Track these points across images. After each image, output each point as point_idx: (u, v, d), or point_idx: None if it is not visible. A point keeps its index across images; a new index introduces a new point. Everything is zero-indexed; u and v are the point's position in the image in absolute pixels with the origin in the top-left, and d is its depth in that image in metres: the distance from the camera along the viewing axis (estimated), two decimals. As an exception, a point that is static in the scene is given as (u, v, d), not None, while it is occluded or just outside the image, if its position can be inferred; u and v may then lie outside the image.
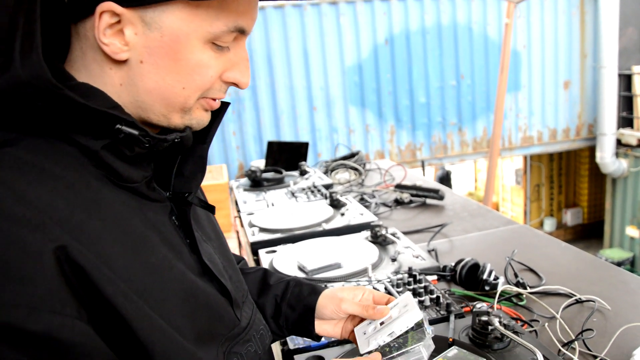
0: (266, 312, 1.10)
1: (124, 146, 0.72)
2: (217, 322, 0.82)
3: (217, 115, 0.87)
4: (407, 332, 0.92)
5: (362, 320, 1.04)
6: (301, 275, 1.68)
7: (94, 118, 0.69)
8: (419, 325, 0.92)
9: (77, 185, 0.68)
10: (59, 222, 0.63)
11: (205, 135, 0.86)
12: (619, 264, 7.14)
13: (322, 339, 1.18)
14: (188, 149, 0.84)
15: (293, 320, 1.09)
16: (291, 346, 1.30)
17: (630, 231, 8.51)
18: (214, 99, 0.81)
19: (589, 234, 10.54)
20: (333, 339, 1.29)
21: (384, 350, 0.92)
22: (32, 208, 0.62)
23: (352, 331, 1.04)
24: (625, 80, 8.17)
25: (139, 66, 0.72)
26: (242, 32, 0.77)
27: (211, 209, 0.95)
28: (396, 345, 0.92)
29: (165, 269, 0.75)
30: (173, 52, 0.72)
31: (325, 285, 1.48)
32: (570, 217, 10.83)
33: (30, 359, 0.57)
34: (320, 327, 1.08)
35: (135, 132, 0.71)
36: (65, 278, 0.61)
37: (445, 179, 11.82)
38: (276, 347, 1.40)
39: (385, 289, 1.51)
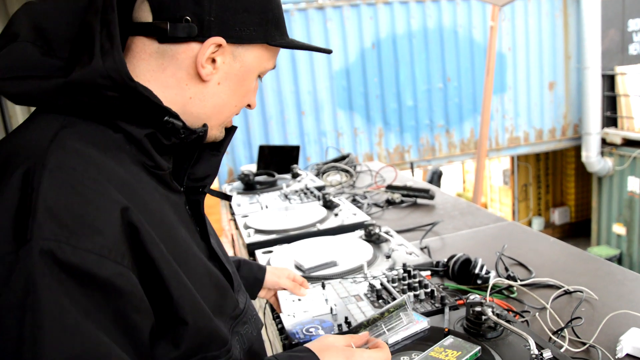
0: None
1: (163, 136, 0.87)
2: (223, 301, 0.96)
3: (229, 132, 1.04)
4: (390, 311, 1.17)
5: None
6: (299, 273, 1.72)
7: (147, 110, 0.82)
8: (400, 305, 1.16)
9: (125, 165, 0.82)
10: (122, 187, 0.77)
11: (219, 145, 1.02)
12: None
13: (321, 332, 1.34)
14: (202, 156, 1.00)
15: (245, 286, 1.27)
16: (293, 341, 1.33)
17: (617, 229, 8.63)
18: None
19: (576, 232, 10.67)
20: (332, 333, 1.33)
21: (372, 328, 1.16)
22: (102, 172, 0.76)
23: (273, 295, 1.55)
24: (609, 81, 8.30)
25: (215, 86, 0.90)
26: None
27: (228, 197, 1.17)
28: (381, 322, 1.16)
29: (189, 247, 0.88)
30: (242, 79, 0.93)
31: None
32: (557, 216, 10.96)
33: (90, 299, 0.68)
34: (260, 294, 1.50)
35: (180, 123, 0.86)
36: (125, 235, 0.73)
37: (436, 178, 11.86)
38: (277, 343, 1.44)
39: (382, 284, 1.56)
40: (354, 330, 1.20)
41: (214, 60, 0.87)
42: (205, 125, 0.93)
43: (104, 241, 0.70)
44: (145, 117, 0.84)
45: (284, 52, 6.81)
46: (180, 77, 0.87)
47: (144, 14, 0.85)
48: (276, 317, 1.54)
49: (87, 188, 0.72)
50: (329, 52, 1.02)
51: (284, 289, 1.53)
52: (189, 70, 0.87)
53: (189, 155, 0.97)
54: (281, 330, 1.43)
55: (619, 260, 8.56)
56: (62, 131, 0.78)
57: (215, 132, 0.97)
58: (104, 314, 0.69)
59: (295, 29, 6.89)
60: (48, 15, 0.83)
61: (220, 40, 0.85)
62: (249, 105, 1.01)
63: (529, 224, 10.97)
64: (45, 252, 0.65)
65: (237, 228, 2.48)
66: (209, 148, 1.00)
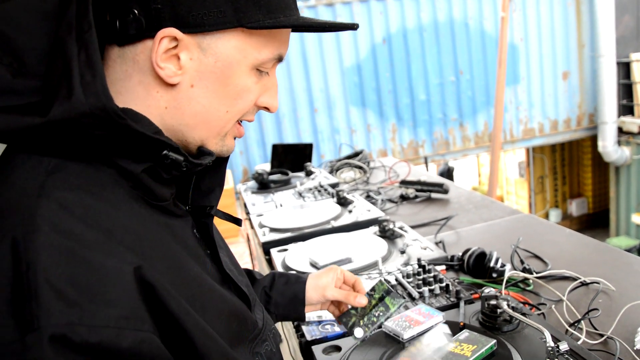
0: None
1: (162, 170, 0.76)
2: (243, 326, 0.87)
3: None
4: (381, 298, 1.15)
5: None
6: (313, 271, 1.73)
7: (142, 143, 0.72)
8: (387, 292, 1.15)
9: (124, 207, 0.71)
10: (127, 239, 0.68)
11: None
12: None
13: (337, 329, 1.35)
14: (206, 166, 0.88)
15: (284, 305, 1.22)
16: (308, 337, 1.34)
17: (636, 218, 8.53)
18: (241, 126, 0.86)
19: (595, 223, 10.56)
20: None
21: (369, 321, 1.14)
22: (100, 232, 0.65)
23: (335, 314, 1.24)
24: (624, 68, 8.20)
25: (188, 90, 0.75)
26: (280, 59, 0.83)
27: (238, 221, 1.01)
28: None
29: (202, 281, 0.79)
30: (224, 77, 0.76)
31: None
32: (575, 208, 10.85)
33: None
34: (306, 310, 1.24)
35: (181, 158, 0.75)
36: (142, 297, 0.65)
37: (446, 174, 11.81)
38: (292, 340, 1.45)
39: (396, 280, 1.56)
40: (344, 321, 1.17)
41: (179, 58, 0.73)
42: (211, 154, 0.81)
43: (120, 311, 0.62)
44: (141, 151, 0.73)
45: (294, 49, 6.83)
46: (148, 84, 0.74)
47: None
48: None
49: (91, 252, 0.63)
50: (348, 27, 0.81)
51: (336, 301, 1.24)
52: (153, 74, 0.73)
53: (189, 174, 0.87)
54: (297, 327, 1.44)
55: (639, 250, 8.46)
56: (48, 180, 0.67)
57: (214, 148, 0.82)
58: None
59: (306, 27, 6.88)
60: (11, 19, 0.69)
61: (172, 31, 0.70)
62: (267, 109, 0.85)
63: (546, 216, 10.88)
64: (59, 338, 0.57)
65: (252, 227, 2.50)
66: None
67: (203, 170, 0.89)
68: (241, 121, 0.86)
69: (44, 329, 0.56)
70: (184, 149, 0.79)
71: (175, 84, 0.74)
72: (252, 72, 0.79)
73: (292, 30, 0.83)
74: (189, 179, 0.90)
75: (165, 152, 0.73)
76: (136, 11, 0.70)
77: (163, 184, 0.79)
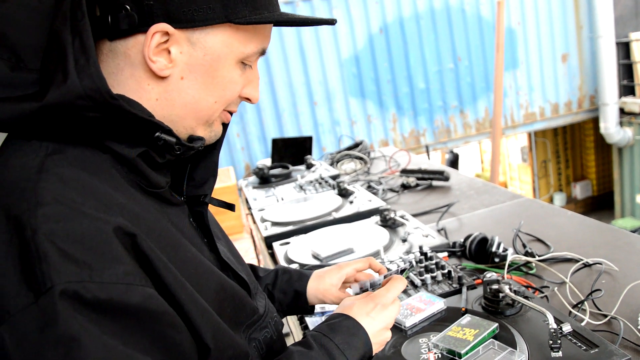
0: None
1: (156, 153, 0.80)
2: (240, 311, 0.90)
3: (224, 126, 0.94)
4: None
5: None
6: (316, 262, 1.73)
7: (135, 126, 0.75)
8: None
9: (121, 189, 0.75)
10: (124, 213, 0.71)
11: (214, 142, 0.93)
12: (632, 233, 7.11)
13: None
14: (198, 156, 0.92)
15: (287, 303, 1.24)
16: (311, 328, 1.34)
17: (641, 199, 8.51)
18: (230, 113, 0.90)
19: (599, 205, 10.54)
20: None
21: None
22: (102, 199, 0.69)
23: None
24: (624, 48, 8.14)
25: (179, 82, 0.79)
26: (263, 53, 0.88)
27: (231, 207, 1.04)
28: None
29: (198, 263, 0.82)
30: (212, 69, 0.80)
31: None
32: (579, 191, 10.83)
33: (127, 329, 0.64)
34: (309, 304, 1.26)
35: (173, 139, 0.79)
36: (139, 264, 0.69)
37: (454, 162, 11.79)
38: (297, 331, 1.45)
39: (398, 267, 1.56)
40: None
41: (169, 52, 0.76)
42: (201, 139, 0.85)
43: (126, 268, 0.66)
44: (135, 135, 0.77)
45: (291, 43, 6.81)
46: (139, 77, 0.78)
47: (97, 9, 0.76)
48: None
49: (93, 218, 0.66)
50: (327, 22, 0.85)
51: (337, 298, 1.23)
52: (145, 67, 0.77)
53: (184, 162, 0.91)
54: (301, 319, 1.44)
55: (644, 230, 8.44)
56: (48, 159, 0.71)
57: (204, 134, 0.86)
58: (144, 339, 0.66)
59: (302, 20, 6.85)
60: (9, 18, 0.73)
61: (165, 27, 0.74)
62: (248, 100, 0.89)
63: (551, 200, 10.86)
64: (71, 296, 0.60)
65: (254, 222, 2.50)
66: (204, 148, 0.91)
67: (196, 161, 0.93)
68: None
69: (56, 287, 0.60)
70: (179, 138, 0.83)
71: (166, 77, 0.78)
72: (238, 65, 0.84)
73: (274, 25, 0.87)
74: (183, 170, 0.92)
75: (157, 134, 0.77)
76: (129, 7, 0.73)
77: (158, 170, 0.82)
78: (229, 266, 0.94)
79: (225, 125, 0.93)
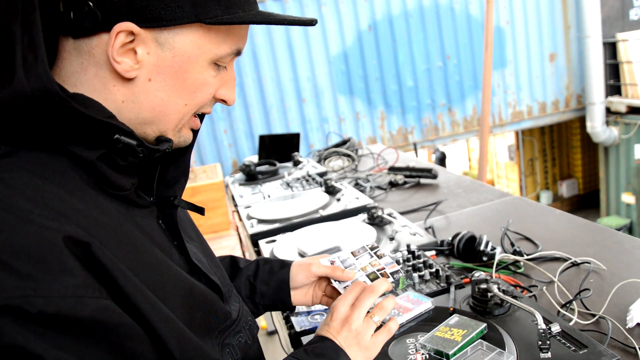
0: (241, 294, 1.15)
1: (118, 156, 0.75)
2: (211, 316, 0.86)
3: (194, 132, 0.90)
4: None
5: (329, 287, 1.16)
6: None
7: (92, 128, 0.70)
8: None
9: (79, 193, 0.70)
10: (79, 220, 0.66)
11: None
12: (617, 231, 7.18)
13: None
14: (169, 156, 0.87)
15: (269, 295, 1.17)
16: (297, 328, 1.32)
17: (626, 198, 8.59)
18: (198, 119, 0.86)
19: (585, 204, 10.63)
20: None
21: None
22: (54, 205, 0.65)
23: (322, 296, 1.17)
24: (610, 48, 8.21)
25: (146, 84, 0.74)
26: (239, 53, 0.82)
27: (200, 210, 0.98)
28: None
29: (164, 268, 0.78)
30: (182, 71, 0.75)
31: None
32: (566, 189, 10.91)
33: (79, 342, 0.61)
34: (294, 297, 1.17)
35: (133, 142, 0.74)
36: (93, 274, 0.65)
37: (442, 159, 11.85)
38: (283, 331, 1.43)
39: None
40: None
41: (136, 52, 0.72)
42: (169, 141, 0.81)
43: (76, 280, 0.62)
44: (93, 137, 0.72)
45: (279, 39, 6.78)
46: (104, 77, 0.73)
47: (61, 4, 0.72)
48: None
49: (40, 227, 0.62)
50: (306, 23, 0.80)
51: (321, 284, 1.19)
52: (110, 68, 0.72)
53: (154, 162, 0.86)
54: (287, 318, 1.41)
55: (629, 229, 8.53)
56: None
57: (173, 137, 0.82)
58: (101, 352, 0.63)
59: (290, 16, 6.82)
60: None
61: (129, 26, 0.69)
62: (224, 101, 0.85)
63: (537, 198, 10.94)
64: (12, 311, 0.57)
65: (240, 219, 2.47)
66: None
67: (167, 161, 0.88)
68: (199, 114, 0.85)
69: None
70: (144, 141, 0.78)
71: (132, 78, 0.73)
72: (211, 67, 0.79)
73: (249, 24, 0.81)
74: (154, 169, 0.88)
75: (116, 136, 0.72)
76: (91, 4, 0.69)
77: (122, 172, 0.77)
78: (199, 269, 0.89)
79: (195, 131, 0.89)
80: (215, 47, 0.77)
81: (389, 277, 1.08)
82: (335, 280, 1.12)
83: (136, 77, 0.74)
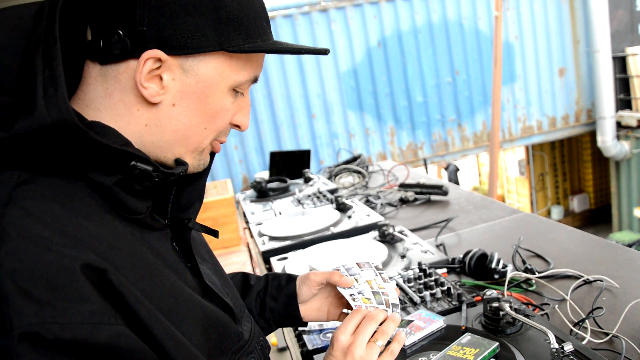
0: (253, 312, 1.17)
1: (134, 181, 0.77)
2: (225, 338, 0.87)
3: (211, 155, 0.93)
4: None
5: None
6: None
7: (109, 155, 0.73)
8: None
9: (95, 218, 0.72)
10: (95, 246, 0.68)
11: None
12: (629, 246, 7.10)
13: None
14: (185, 180, 0.90)
15: (278, 311, 1.17)
16: (310, 347, 1.33)
17: (638, 212, 8.51)
18: (220, 142, 0.88)
19: (597, 219, 10.54)
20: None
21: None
22: (71, 233, 0.67)
23: (340, 314, 1.15)
24: (620, 63, 8.20)
25: (170, 108, 0.78)
26: (255, 80, 0.86)
27: (214, 233, 1.01)
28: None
29: (178, 292, 0.80)
30: (204, 96, 0.79)
31: None
32: (577, 204, 10.83)
33: None
34: (305, 312, 1.17)
35: (150, 168, 0.76)
36: (108, 300, 0.66)
37: (452, 175, 11.79)
38: (295, 349, 1.44)
39: (397, 285, 1.54)
40: None
41: (161, 78, 0.75)
42: (185, 164, 0.83)
43: (93, 306, 0.63)
44: (110, 163, 0.74)
45: (289, 56, 6.83)
46: (129, 101, 0.76)
47: (89, 33, 0.75)
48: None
49: (58, 255, 0.64)
50: (319, 52, 0.84)
51: (336, 302, 1.17)
52: (135, 93, 0.75)
53: (169, 185, 0.88)
54: (299, 336, 1.42)
55: (642, 244, 8.43)
56: (16, 190, 0.68)
57: (191, 161, 0.84)
58: None
59: (300, 33, 6.90)
60: None
61: (157, 53, 0.73)
62: (238, 127, 0.88)
63: (548, 213, 10.86)
64: (31, 338, 0.59)
65: (251, 236, 2.48)
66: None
67: (182, 185, 0.91)
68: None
69: (16, 329, 0.58)
70: (163, 163, 0.81)
71: (157, 103, 0.77)
72: (230, 93, 0.82)
73: (268, 53, 0.85)
74: (168, 192, 0.90)
75: (133, 162, 0.74)
76: (121, 32, 0.72)
77: (137, 197, 0.80)
78: (212, 291, 0.91)
79: (212, 155, 0.91)
80: (235, 74, 0.81)
81: (390, 307, 1.07)
82: (341, 288, 1.11)
83: (161, 102, 0.77)
